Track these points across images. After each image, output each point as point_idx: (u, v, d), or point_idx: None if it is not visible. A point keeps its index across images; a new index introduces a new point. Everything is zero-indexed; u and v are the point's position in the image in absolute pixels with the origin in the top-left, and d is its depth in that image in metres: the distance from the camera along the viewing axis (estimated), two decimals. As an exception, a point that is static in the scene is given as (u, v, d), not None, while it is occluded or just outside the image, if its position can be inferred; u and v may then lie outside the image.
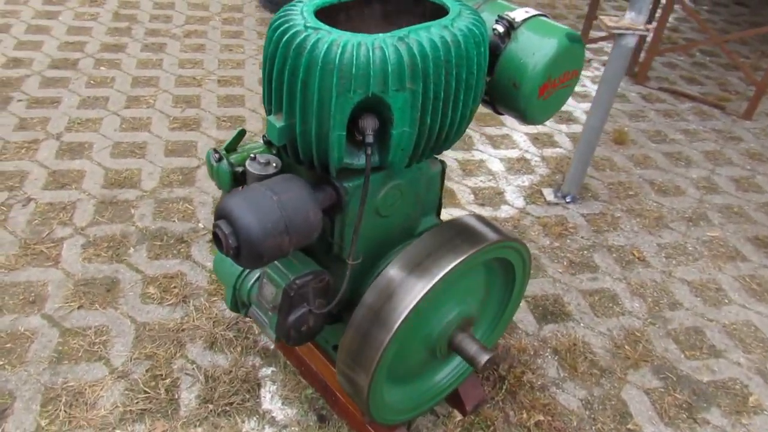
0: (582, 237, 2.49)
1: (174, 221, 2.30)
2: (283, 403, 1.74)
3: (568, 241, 2.46)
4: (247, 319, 1.71)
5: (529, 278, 1.61)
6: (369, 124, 1.13)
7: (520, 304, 2.13)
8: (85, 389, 1.71)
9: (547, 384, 1.88)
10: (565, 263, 2.34)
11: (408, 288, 1.29)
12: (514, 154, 2.98)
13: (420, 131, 1.18)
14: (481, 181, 2.75)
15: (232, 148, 1.36)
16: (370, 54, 1.05)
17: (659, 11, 3.69)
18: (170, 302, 1.99)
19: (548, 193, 2.70)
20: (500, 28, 1.33)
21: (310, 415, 1.71)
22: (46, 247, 2.12)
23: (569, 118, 3.32)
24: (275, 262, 1.30)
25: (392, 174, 1.30)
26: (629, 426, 1.79)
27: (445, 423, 1.72)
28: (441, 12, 1.24)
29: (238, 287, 1.41)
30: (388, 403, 1.46)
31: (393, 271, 1.33)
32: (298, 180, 1.18)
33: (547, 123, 3.26)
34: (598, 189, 2.78)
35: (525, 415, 1.77)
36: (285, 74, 1.11)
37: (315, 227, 1.17)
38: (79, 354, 1.80)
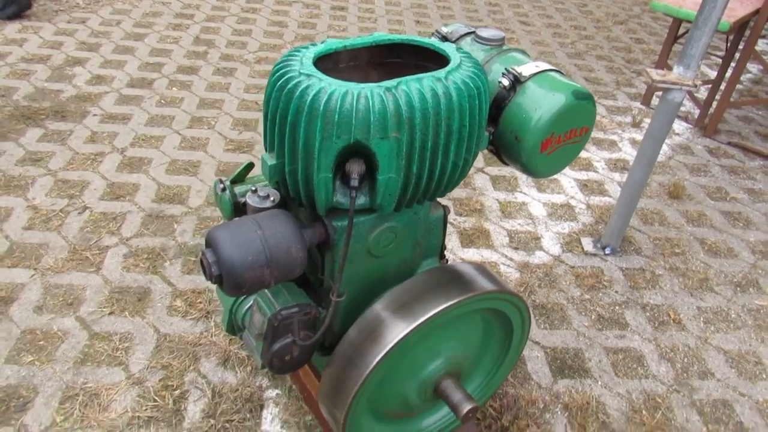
0: (616, 292, 2.40)
1: (211, 239, 2.41)
2: (281, 426, 1.78)
3: (600, 294, 2.38)
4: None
5: (528, 336, 1.59)
6: (355, 168, 1.17)
7: (538, 355, 2.09)
8: (102, 391, 1.82)
9: (550, 441, 1.82)
10: (592, 317, 2.27)
11: (391, 327, 1.31)
12: (558, 199, 2.92)
13: (406, 178, 1.21)
14: (519, 224, 2.72)
15: (238, 179, 1.44)
16: (354, 102, 1.10)
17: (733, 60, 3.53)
18: (193, 316, 2.09)
19: (587, 243, 2.63)
20: (505, 82, 1.35)
21: (304, 443, 1.75)
22: (91, 254, 2.29)
23: (624, 167, 3.23)
24: (266, 291, 1.35)
25: (385, 216, 1.33)
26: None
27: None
28: (445, 62, 1.27)
29: (234, 311, 1.47)
30: (369, 440, 1.47)
31: (379, 309, 1.35)
32: (285, 216, 1.23)
33: (600, 170, 3.19)
34: (642, 243, 2.68)
35: (521, 471, 1.72)
36: (277, 116, 1.17)
37: (297, 263, 1.22)
38: (102, 357, 1.92)
